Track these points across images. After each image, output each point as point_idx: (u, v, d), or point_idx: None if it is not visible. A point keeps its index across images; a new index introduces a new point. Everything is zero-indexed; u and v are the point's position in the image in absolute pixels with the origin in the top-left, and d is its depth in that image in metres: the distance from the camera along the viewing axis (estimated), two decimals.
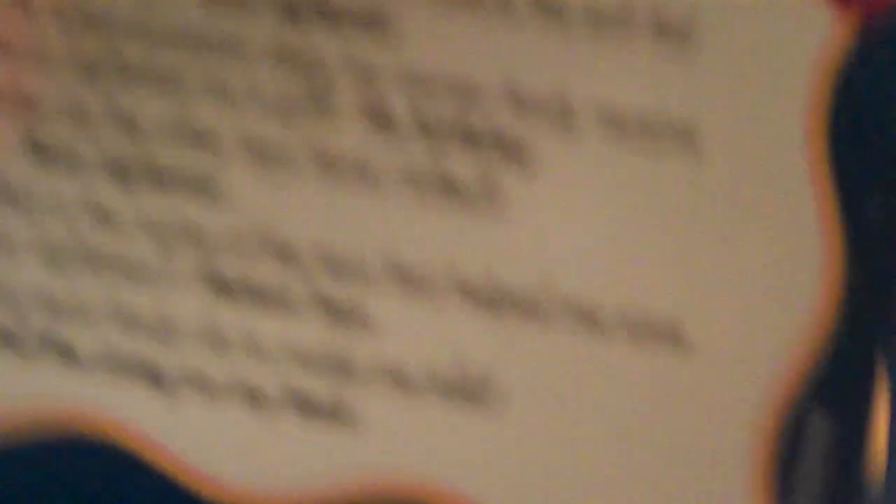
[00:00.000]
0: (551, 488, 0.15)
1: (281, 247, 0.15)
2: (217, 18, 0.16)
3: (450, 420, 0.15)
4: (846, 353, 0.15)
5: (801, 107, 0.15)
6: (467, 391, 0.15)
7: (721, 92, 0.15)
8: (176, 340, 0.15)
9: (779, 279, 0.15)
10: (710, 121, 0.15)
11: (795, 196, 0.15)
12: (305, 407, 0.15)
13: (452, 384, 0.15)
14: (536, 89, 0.15)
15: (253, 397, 0.15)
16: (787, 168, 0.15)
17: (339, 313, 0.15)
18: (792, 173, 0.15)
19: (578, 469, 0.15)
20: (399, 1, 0.15)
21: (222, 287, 0.15)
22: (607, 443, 0.15)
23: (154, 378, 0.15)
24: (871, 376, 0.15)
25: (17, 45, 0.16)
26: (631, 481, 0.15)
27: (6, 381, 0.15)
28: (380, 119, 0.15)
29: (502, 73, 0.15)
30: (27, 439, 0.15)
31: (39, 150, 0.16)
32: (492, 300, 0.15)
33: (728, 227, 0.15)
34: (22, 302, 0.15)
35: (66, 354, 0.15)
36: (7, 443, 0.15)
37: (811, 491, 0.14)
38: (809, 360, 0.15)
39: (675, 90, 0.15)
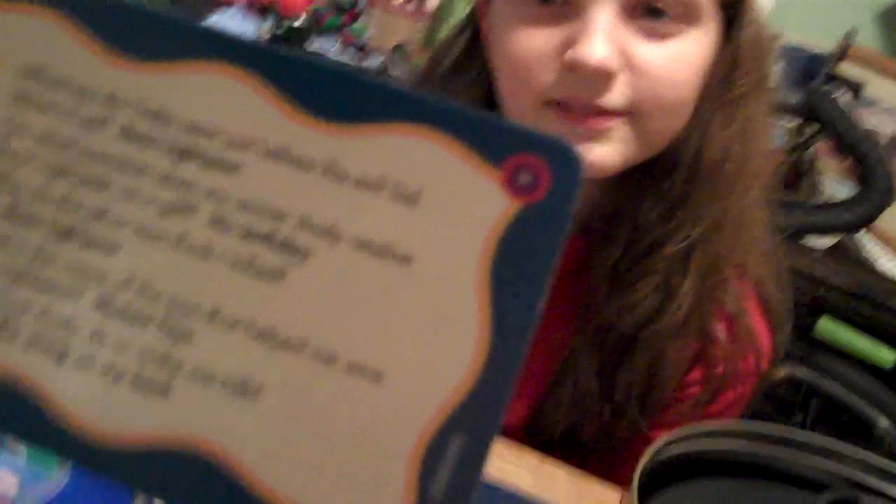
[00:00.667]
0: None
1: (150, 291, 0.25)
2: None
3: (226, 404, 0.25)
4: (482, 398, 0.24)
5: (478, 244, 0.24)
6: (242, 390, 0.24)
7: (432, 233, 0.24)
8: None
9: (450, 341, 0.24)
10: (422, 251, 0.24)
11: (467, 302, 0.24)
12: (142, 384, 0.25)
13: (235, 385, 0.25)
14: (320, 221, 0.25)
15: (116, 377, 0.25)
16: (464, 276, 0.24)
17: (173, 332, 0.25)
18: (467, 283, 0.24)
19: (312, 441, 0.24)
20: (248, 154, 0.25)
21: (108, 308, 0.25)
22: (324, 433, 0.24)
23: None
24: (497, 416, 0.24)
25: None
26: (333, 460, 0.24)
27: None
28: (222, 225, 0.25)
29: (301, 209, 0.25)
30: None
31: None
32: (269, 338, 0.24)
33: (423, 308, 0.24)
34: None
35: None
36: None
37: (444, 485, 0.24)
38: (461, 394, 0.24)
39: (403, 232, 0.24)
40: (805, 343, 1.24)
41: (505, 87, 0.56)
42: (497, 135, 0.24)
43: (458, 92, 0.62)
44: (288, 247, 0.25)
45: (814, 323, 1.24)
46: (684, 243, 0.59)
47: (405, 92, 0.24)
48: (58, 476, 0.48)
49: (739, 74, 0.60)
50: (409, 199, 0.24)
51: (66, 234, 0.25)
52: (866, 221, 1.28)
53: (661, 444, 0.47)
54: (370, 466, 0.24)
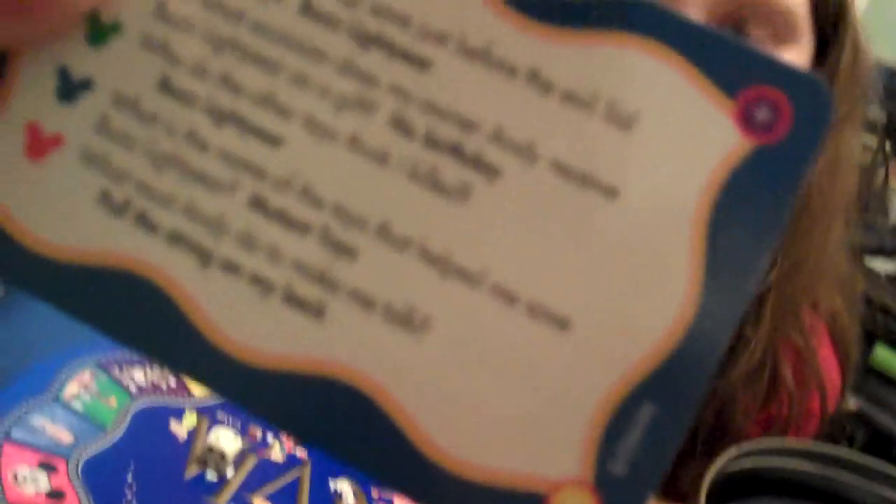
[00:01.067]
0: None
1: (313, 195, 0.22)
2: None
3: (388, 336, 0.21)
4: (683, 365, 0.20)
5: (698, 187, 0.21)
6: (406, 321, 0.21)
7: (645, 166, 0.21)
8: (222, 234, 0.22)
9: (652, 295, 0.21)
10: (632, 183, 0.21)
11: (678, 251, 0.21)
12: (297, 302, 0.22)
13: (398, 314, 0.21)
14: (516, 136, 0.21)
15: (265, 289, 0.22)
16: (678, 222, 0.21)
17: (336, 248, 0.21)
18: (680, 227, 0.21)
19: (483, 389, 0.21)
20: (442, 49, 0.21)
21: (264, 209, 0.22)
22: (496, 381, 0.21)
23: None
24: (695, 390, 0.21)
25: None
26: (516, 410, 0.21)
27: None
28: (403, 128, 0.21)
29: (495, 120, 0.21)
30: None
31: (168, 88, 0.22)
32: (442, 265, 0.21)
33: (624, 250, 0.21)
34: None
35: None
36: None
37: (627, 460, 0.21)
38: (657, 359, 0.21)
39: (612, 159, 0.21)
40: (859, 371, 1.20)
41: None
42: (735, 59, 0.21)
43: None
44: (476, 162, 0.21)
45: (869, 350, 1.20)
46: (758, 288, 0.55)
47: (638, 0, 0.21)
48: (110, 434, 0.46)
49: (836, 98, 0.55)
50: (624, 121, 0.21)
51: (224, 118, 0.22)
52: None
53: (729, 457, 0.45)
54: (544, 427, 0.21)
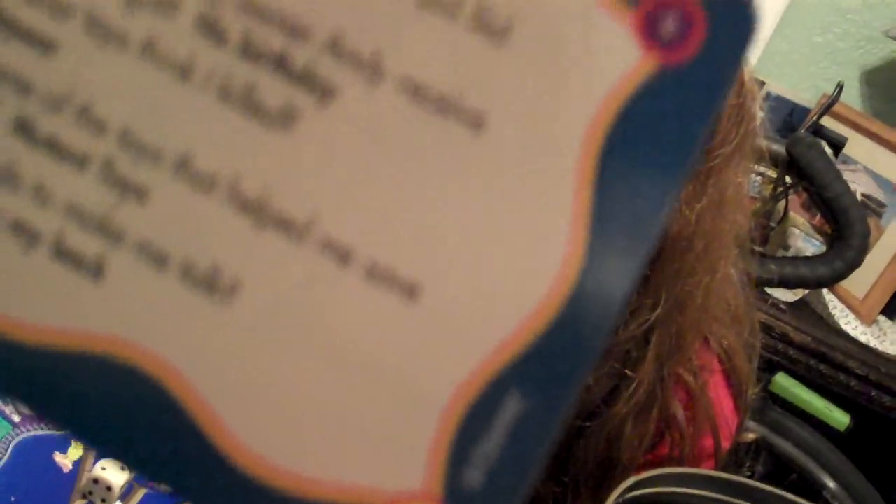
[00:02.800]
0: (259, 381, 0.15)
1: (94, 117, 0.16)
2: None
3: (185, 303, 0.15)
4: (560, 344, 0.15)
5: (586, 116, 0.15)
6: (209, 285, 0.15)
7: (520, 89, 0.16)
8: None
9: (524, 255, 0.15)
10: (503, 110, 0.16)
11: (558, 195, 0.15)
12: (69, 257, 0.16)
13: (199, 276, 0.16)
14: (358, 46, 0.16)
15: (30, 240, 0.16)
16: (558, 161, 0.15)
17: (121, 187, 0.16)
18: (562, 168, 0.15)
19: (305, 376, 0.15)
20: None
21: (30, 135, 0.16)
22: (321, 364, 0.15)
23: None
24: (575, 376, 0.15)
25: None
26: (345, 403, 0.15)
27: None
28: (214, 33, 0.16)
29: (332, 26, 0.16)
30: None
31: None
32: (258, 212, 0.16)
33: (492, 197, 0.15)
34: None
35: None
36: None
37: (485, 466, 0.15)
38: (527, 337, 0.15)
39: (479, 78, 0.16)
40: (759, 398, 1.18)
41: None
42: None
43: None
44: (305, 79, 0.16)
45: (769, 378, 1.19)
46: (642, 328, 0.51)
47: None
48: None
49: (716, 143, 0.51)
50: (496, 31, 0.16)
51: None
52: (839, 278, 1.22)
53: (629, 485, 0.42)
54: (381, 426, 0.15)
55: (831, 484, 1.14)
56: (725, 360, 0.58)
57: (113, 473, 0.45)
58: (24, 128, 0.16)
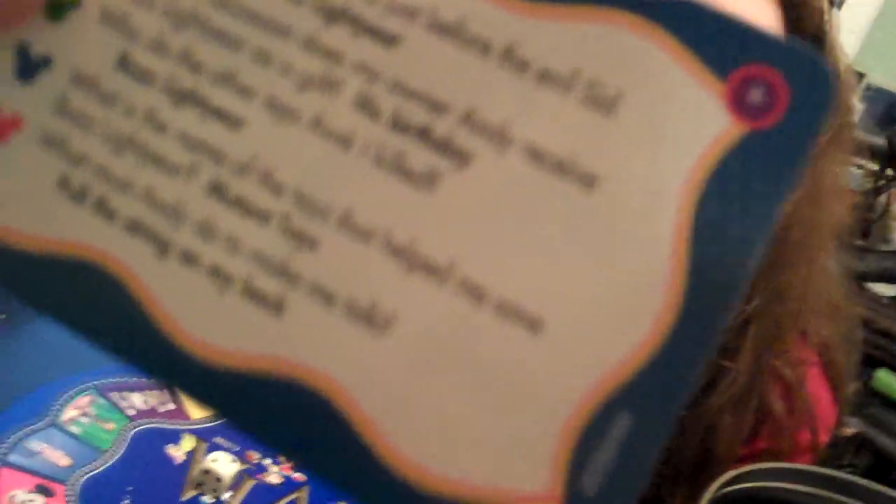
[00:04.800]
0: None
1: (273, 181, 0.19)
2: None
3: (350, 333, 0.18)
4: (661, 372, 0.17)
5: (684, 176, 0.17)
6: (369, 318, 0.18)
7: (626, 153, 0.18)
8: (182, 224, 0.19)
9: (632, 295, 0.17)
10: (611, 172, 0.18)
11: (660, 246, 0.17)
12: (256, 296, 0.19)
13: (360, 311, 0.18)
14: (489, 119, 0.18)
15: (224, 282, 0.19)
16: (661, 215, 0.17)
17: (297, 238, 0.18)
18: (663, 220, 0.17)
19: (448, 394, 0.18)
20: (412, 24, 0.19)
21: (223, 195, 0.19)
22: (463, 385, 0.18)
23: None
24: (676, 399, 0.17)
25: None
26: (484, 418, 0.18)
27: None
28: (369, 109, 0.18)
29: (467, 102, 0.18)
30: None
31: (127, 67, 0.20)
32: (408, 258, 0.18)
33: (602, 245, 0.18)
34: None
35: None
36: None
37: (600, 474, 0.17)
38: (635, 365, 0.17)
39: (592, 144, 0.18)
40: (860, 394, 1.15)
41: None
42: (726, 35, 0.17)
43: None
44: (445, 147, 0.18)
45: (871, 374, 1.15)
46: (739, 319, 0.50)
47: None
48: (108, 457, 0.44)
49: None
50: (605, 104, 0.18)
51: (183, 97, 0.19)
52: None
53: (726, 479, 0.41)
54: (511, 437, 0.18)
55: None
56: (824, 353, 0.56)
57: (223, 465, 0.46)
58: (217, 190, 0.19)
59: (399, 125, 0.19)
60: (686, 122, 0.17)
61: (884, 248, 1.32)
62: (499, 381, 0.18)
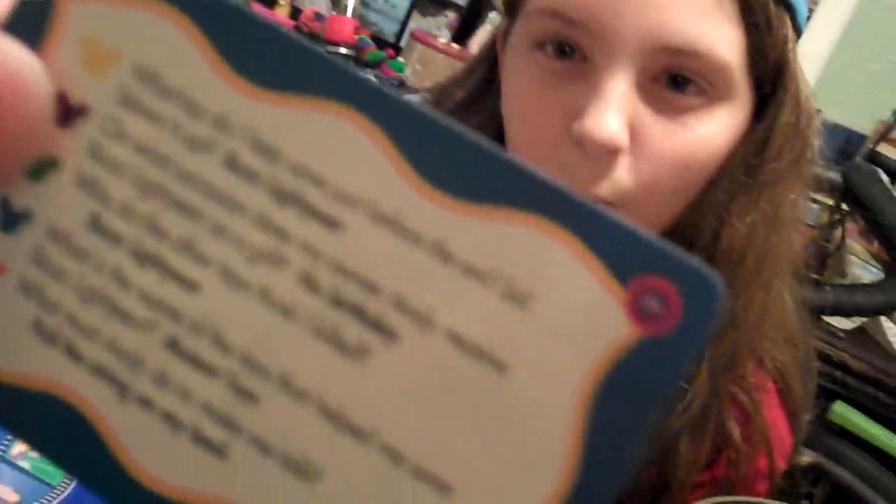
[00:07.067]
0: None
1: (223, 342, 0.20)
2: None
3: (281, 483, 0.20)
4: None
5: (583, 371, 0.19)
6: (300, 471, 0.20)
7: (537, 344, 0.19)
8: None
9: (531, 471, 0.19)
10: (522, 363, 0.19)
11: (558, 432, 0.19)
12: (203, 441, 0.20)
13: (293, 463, 0.20)
14: (416, 303, 0.19)
15: (175, 427, 0.20)
16: (560, 404, 0.19)
17: (241, 394, 0.20)
18: (562, 410, 0.19)
19: None
20: (354, 212, 0.20)
21: (178, 350, 0.20)
22: None
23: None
24: None
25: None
26: None
27: None
28: (311, 285, 0.20)
29: (398, 286, 0.19)
30: None
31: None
32: (337, 420, 0.20)
33: (509, 426, 0.19)
34: None
35: None
36: None
37: None
38: None
39: (506, 335, 0.19)
40: (817, 426, 1.16)
41: (512, 142, 0.48)
42: (630, 247, 0.19)
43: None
44: (376, 325, 0.20)
45: (828, 406, 1.16)
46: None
47: (538, 178, 0.19)
48: (58, 492, 0.44)
49: (769, 157, 0.49)
50: (520, 300, 0.19)
51: (147, 260, 0.21)
52: None
53: None
54: None
55: None
56: (780, 380, 0.55)
57: None
58: (173, 345, 0.20)
59: (337, 301, 0.20)
60: (588, 323, 0.19)
61: (840, 281, 1.34)
62: None
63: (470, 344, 0.19)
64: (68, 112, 0.21)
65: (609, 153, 0.43)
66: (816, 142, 0.56)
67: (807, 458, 1.09)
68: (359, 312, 0.20)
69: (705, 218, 0.49)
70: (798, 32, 0.48)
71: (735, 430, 0.52)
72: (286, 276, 0.20)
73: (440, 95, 0.58)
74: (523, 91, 0.46)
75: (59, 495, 0.43)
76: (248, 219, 0.20)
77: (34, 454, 0.45)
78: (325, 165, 0.20)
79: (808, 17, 0.50)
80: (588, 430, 0.19)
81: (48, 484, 0.44)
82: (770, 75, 0.46)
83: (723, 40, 0.43)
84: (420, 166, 0.20)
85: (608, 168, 0.44)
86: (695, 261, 0.19)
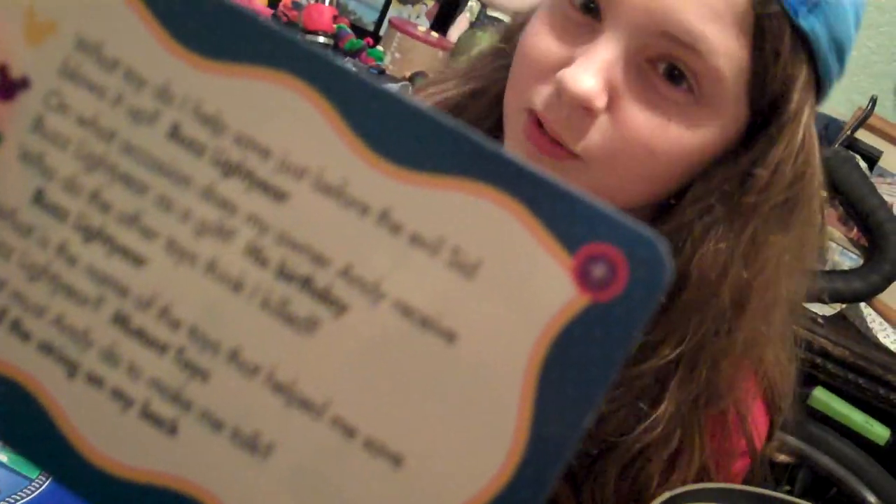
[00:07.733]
0: None
1: (171, 317, 0.20)
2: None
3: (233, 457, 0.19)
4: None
5: (532, 338, 0.19)
6: (251, 445, 0.19)
7: (482, 315, 0.19)
8: None
9: (482, 439, 0.19)
10: (469, 330, 0.19)
11: (508, 400, 0.19)
12: (152, 418, 0.20)
13: (244, 438, 0.19)
14: (364, 274, 0.19)
15: (125, 404, 0.20)
16: (510, 372, 0.19)
17: (191, 370, 0.20)
18: (512, 376, 0.19)
19: None
20: (300, 183, 0.19)
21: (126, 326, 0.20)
22: None
23: None
24: None
25: None
26: None
27: None
28: (259, 258, 0.19)
29: (345, 257, 0.19)
30: None
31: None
32: (288, 394, 0.19)
33: (459, 394, 0.19)
34: None
35: None
36: None
37: None
38: (485, 501, 0.19)
39: (454, 304, 0.19)
40: (798, 413, 1.15)
41: (513, 76, 0.48)
42: (576, 214, 0.19)
43: (470, 117, 0.54)
44: (324, 296, 0.19)
45: (808, 392, 1.15)
46: (661, 362, 0.47)
47: (485, 146, 0.19)
48: (37, 485, 0.43)
49: (749, 190, 0.48)
50: (467, 268, 0.19)
51: (92, 235, 0.20)
52: (876, 291, 1.18)
53: (664, 499, 0.41)
54: None
55: (872, 498, 1.10)
56: (760, 374, 0.55)
57: None
58: (121, 321, 0.20)
59: (284, 273, 0.19)
60: (537, 290, 0.19)
61: (819, 268, 1.34)
62: None
63: (418, 314, 0.19)
64: (10, 86, 0.21)
65: (583, 108, 0.44)
66: (822, 214, 0.54)
67: (789, 448, 1.09)
68: (307, 284, 0.19)
69: (680, 233, 0.48)
70: (819, 84, 0.48)
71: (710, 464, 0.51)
72: (233, 249, 0.20)
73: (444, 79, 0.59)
74: (542, 29, 0.48)
75: (37, 489, 0.42)
76: (194, 191, 0.20)
77: None
78: (270, 136, 0.20)
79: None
80: (538, 396, 0.18)
81: (26, 477, 0.43)
82: (766, 106, 0.46)
83: (724, 50, 0.43)
84: (366, 135, 0.19)
85: (581, 123, 0.45)
86: (641, 227, 0.18)
